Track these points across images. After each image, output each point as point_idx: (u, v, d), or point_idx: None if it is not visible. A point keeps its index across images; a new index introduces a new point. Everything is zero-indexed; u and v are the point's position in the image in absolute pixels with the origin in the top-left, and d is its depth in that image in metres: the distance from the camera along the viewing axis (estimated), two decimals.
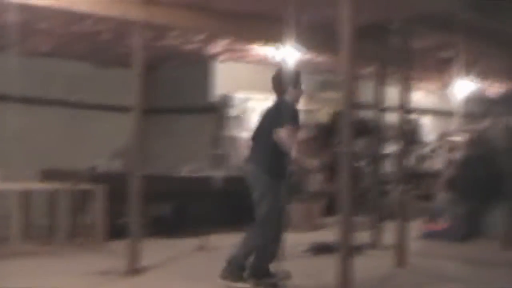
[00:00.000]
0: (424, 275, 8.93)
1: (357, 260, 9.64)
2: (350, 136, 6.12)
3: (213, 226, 10.71)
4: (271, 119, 7.29)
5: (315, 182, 13.11)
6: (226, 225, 11.05)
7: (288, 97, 7.43)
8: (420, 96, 17.08)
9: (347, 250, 6.09)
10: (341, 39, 6.13)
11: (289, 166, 7.36)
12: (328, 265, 6.81)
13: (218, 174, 11.65)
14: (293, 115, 7.24)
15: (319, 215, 12.76)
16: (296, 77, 7.66)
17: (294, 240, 10.39)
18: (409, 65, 9.61)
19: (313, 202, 12.83)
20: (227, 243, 10.52)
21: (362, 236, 10.93)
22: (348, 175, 6.05)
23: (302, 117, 7.60)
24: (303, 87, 7.82)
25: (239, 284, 7.23)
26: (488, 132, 14.00)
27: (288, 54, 10.04)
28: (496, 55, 11.84)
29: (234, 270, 7.31)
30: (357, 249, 10.08)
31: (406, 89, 9.40)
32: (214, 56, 13.04)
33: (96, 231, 10.02)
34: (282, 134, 7.01)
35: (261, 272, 7.37)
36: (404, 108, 9.40)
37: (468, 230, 11.97)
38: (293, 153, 7.26)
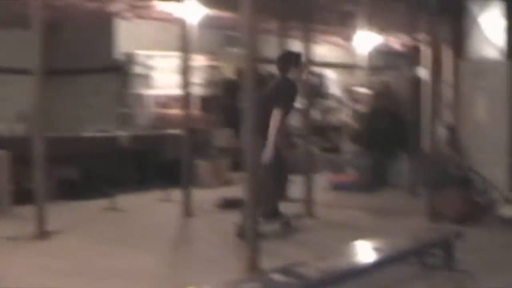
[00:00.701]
0: (332, 225, 9.12)
1: None
2: (254, 91, 6.11)
3: (120, 187, 10.62)
4: (270, 96, 8.05)
5: (223, 138, 13.10)
6: (134, 185, 10.98)
7: (290, 75, 8.25)
8: (325, 50, 17.22)
9: (253, 204, 6.11)
10: None
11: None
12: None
13: (124, 133, 11.51)
14: (291, 95, 8.23)
15: (227, 171, 12.78)
16: (298, 57, 8.50)
17: (203, 196, 10.45)
18: (310, 19, 9.66)
19: (221, 158, 12.84)
20: (135, 203, 10.52)
21: None
22: (252, 130, 6.05)
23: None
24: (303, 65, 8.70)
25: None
26: (392, 85, 14.28)
27: (191, 10, 9.95)
28: (396, 9, 12.03)
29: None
30: None
31: (309, 43, 9.46)
32: (116, 14, 12.76)
33: (1, 196, 9.76)
34: (275, 116, 7.83)
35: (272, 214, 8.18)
36: (308, 62, 9.46)
37: (374, 180, 12.26)
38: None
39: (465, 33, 10.04)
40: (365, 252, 6.01)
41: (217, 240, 8.02)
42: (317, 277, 4.79)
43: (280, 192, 8.45)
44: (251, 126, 6.03)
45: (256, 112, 6.09)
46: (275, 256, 6.47)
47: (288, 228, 8.39)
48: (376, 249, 5.98)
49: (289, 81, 8.26)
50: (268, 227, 7.68)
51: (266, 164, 7.70)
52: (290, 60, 8.37)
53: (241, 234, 7.23)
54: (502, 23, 9.76)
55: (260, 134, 7.02)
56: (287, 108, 8.13)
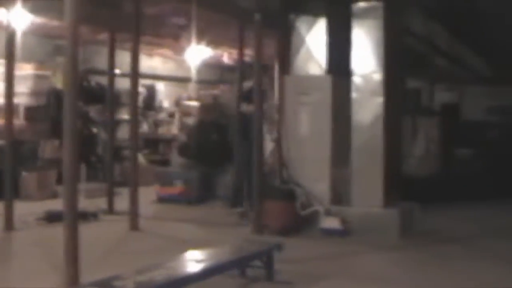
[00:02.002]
0: (157, 237, 9.11)
1: (92, 225, 9.70)
2: (75, 101, 5.99)
3: None
4: None
5: (50, 149, 12.76)
6: None
7: None
8: (157, 63, 17.22)
9: (73, 217, 5.99)
10: (65, 3, 5.96)
11: None
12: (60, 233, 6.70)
13: None
14: None
15: (53, 183, 12.43)
16: None
17: (28, 209, 10.11)
18: (140, 31, 9.62)
19: (47, 169, 12.48)
20: None
21: (98, 202, 10.92)
22: (71, 141, 5.92)
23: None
24: None
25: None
26: (220, 99, 14.50)
27: (16, 16, 9.63)
28: (227, 24, 12.21)
29: None
30: (92, 215, 10.07)
31: (138, 55, 9.42)
32: None
33: None
34: None
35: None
36: (136, 74, 9.41)
37: (202, 193, 12.36)
38: None
39: (291, 50, 10.32)
40: (186, 263, 6.04)
41: (37, 254, 7.77)
42: None
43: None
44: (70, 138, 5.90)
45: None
46: (95, 269, 6.37)
47: None
48: (198, 261, 6.03)
49: None
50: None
51: None
52: None
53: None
54: (329, 40, 10.11)
55: None
56: None
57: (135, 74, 9.37)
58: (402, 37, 10.88)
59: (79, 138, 6.21)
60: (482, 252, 8.70)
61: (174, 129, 16.36)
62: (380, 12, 9.62)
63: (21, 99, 12.31)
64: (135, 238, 9.02)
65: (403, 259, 8.25)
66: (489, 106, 17.42)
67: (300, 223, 9.49)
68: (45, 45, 14.15)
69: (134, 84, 9.42)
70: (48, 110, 13.29)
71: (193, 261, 6.05)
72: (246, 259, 6.63)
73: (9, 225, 9.14)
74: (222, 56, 16.50)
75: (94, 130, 13.75)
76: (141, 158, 12.93)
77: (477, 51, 16.01)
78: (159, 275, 5.29)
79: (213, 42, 14.37)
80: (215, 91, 15.65)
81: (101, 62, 11.06)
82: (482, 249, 8.87)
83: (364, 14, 9.69)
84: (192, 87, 15.60)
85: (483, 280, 7.12)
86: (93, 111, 13.83)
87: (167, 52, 16.89)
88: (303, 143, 10.01)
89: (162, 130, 16.78)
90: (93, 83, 13.90)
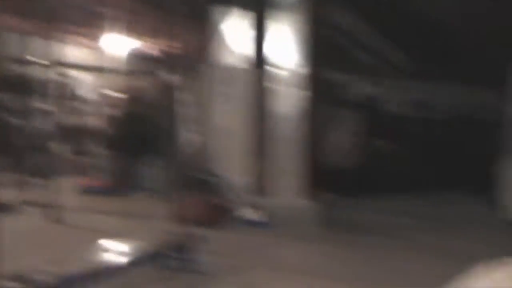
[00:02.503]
0: (79, 230, 9.01)
1: (9, 218, 9.51)
2: None
3: None
4: None
5: None
6: None
7: None
8: (79, 52, 16.95)
9: None
10: None
11: None
12: None
13: None
14: None
15: None
16: None
17: None
18: (65, 20, 9.50)
19: None
20: None
21: (17, 193, 10.72)
22: None
23: None
24: None
25: None
26: (146, 90, 14.40)
27: None
28: (152, 14, 12.13)
29: None
30: (8, 207, 9.86)
31: (53, 42, 9.27)
32: None
33: None
34: None
35: None
36: (55, 63, 9.28)
37: (126, 184, 12.28)
38: None
39: (212, 41, 10.34)
40: (107, 255, 6.03)
41: None
42: (53, 282, 4.74)
43: None
44: None
45: None
46: (14, 263, 6.28)
47: None
48: (119, 253, 6.03)
49: None
50: None
51: None
52: None
53: None
54: (250, 32, 10.16)
55: None
56: None
57: (59, 63, 9.25)
58: (324, 30, 11.03)
59: None
60: (403, 242, 8.92)
61: (99, 120, 16.15)
62: (302, 5, 9.72)
63: None
64: (56, 230, 8.91)
65: (325, 250, 8.38)
66: (411, 100, 17.80)
67: (221, 215, 9.54)
68: None
69: (56, 73, 9.30)
70: None
71: (115, 253, 6.05)
72: (168, 250, 6.65)
73: None
74: (148, 47, 16.36)
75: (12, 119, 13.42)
76: (63, 149, 12.74)
77: (401, 46, 16.32)
78: (80, 267, 5.28)
79: (139, 32, 14.24)
80: (141, 83, 15.51)
81: (16, 50, 10.83)
82: (402, 240, 9.09)
83: (287, 6, 9.78)
84: (117, 78, 15.42)
85: (397, 267, 7.32)
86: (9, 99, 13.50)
87: (90, 41, 16.64)
88: (224, 134, 10.05)
89: (86, 121, 16.53)
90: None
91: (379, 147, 14.89)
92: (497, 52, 12.72)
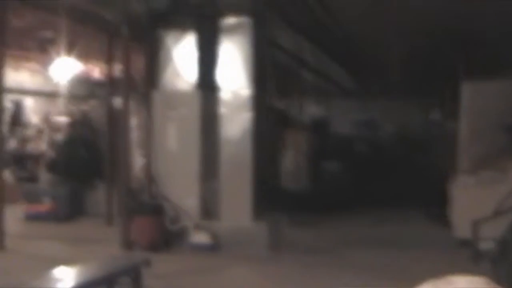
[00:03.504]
0: (24, 256, 8.87)
1: None
2: None
3: None
4: None
5: None
6: None
7: None
8: (25, 77, 16.75)
9: None
10: None
11: None
12: None
13: None
14: None
15: None
16: None
17: None
18: (6, 44, 9.38)
19: None
20: None
21: None
22: None
23: None
24: None
25: None
26: (90, 114, 14.29)
27: None
28: (95, 37, 12.06)
29: None
30: None
31: (3, 68, 9.16)
32: None
33: None
34: None
35: None
36: (2, 88, 9.16)
37: (71, 210, 12.12)
38: None
39: (159, 64, 10.29)
40: (53, 282, 5.91)
41: None
42: None
43: None
44: None
45: None
46: None
47: None
48: (65, 279, 5.92)
49: None
50: None
51: None
52: None
53: None
54: (196, 55, 10.15)
55: None
56: None
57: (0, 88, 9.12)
58: (270, 52, 11.10)
59: None
60: (347, 261, 9.00)
61: (42, 145, 15.94)
62: (248, 28, 9.76)
63: None
64: (0, 257, 8.75)
65: (272, 271, 8.41)
66: (356, 120, 18.06)
67: (169, 238, 9.49)
68: None
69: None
70: None
71: (59, 279, 5.94)
72: (113, 275, 6.56)
73: None
74: (92, 70, 16.26)
75: None
76: (7, 175, 12.52)
77: (345, 67, 16.55)
78: None
79: (82, 56, 14.14)
80: (85, 107, 15.39)
81: None
82: (347, 259, 9.16)
83: (232, 29, 9.81)
84: (61, 102, 15.27)
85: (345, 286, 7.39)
86: None
87: (35, 66, 16.47)
88: (171, 158, 10.00)
89: (30, 146, 16.31)
90: None
91: (326, 167, 15.01)
92: (444, 71, 13.01)
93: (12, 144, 15.28)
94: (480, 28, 10.96)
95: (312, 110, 17.15)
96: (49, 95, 16.47)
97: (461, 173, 10.45)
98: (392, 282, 6.77)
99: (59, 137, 14.10)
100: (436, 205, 11.27)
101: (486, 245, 8.45)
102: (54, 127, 15.05)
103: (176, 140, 10.02)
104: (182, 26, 10.14)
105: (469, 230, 8.91)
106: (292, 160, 13.95)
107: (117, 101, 12.10)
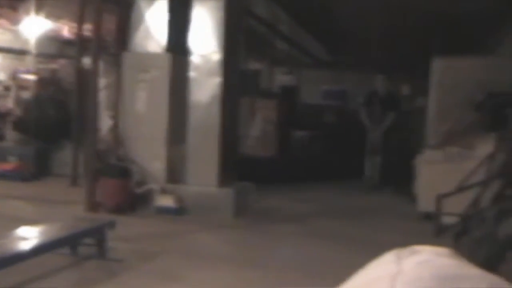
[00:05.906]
0: None
1: None
2: None
3: None
4: None
5: None
6: None
7: None
8: None
9: None
10: None
11: None
12: None
13: None
14: None
15: None
16: None
17: None
18: None
19: None
20: None
21: None
22: None
23: None
24: None
25: None
26: (59, 73, 14.12)
27: None
28: None
29: None
30: None
31: None
32: None
33: None
34: None
35: None
36: None
37: (37, 169, 12.02)
38: None
39: (130, 26, 10.18)
40: (15, 241, 5.88)
41: None
42: None
43: None
44: None
45: None
46: None
47: None
48: (27, 238, 5.89)
49: None
50: None
51: None
52: None
53: None
54: (168, 19, 10.04)
55: None
56: None
57: None
58: (243, 19, 11.03)
59: None
60: (312, 230, 9.07)
61: (9, 103, 15.74)
62: None
63: None
64: None
65: (237, 238, 8.45)
66: (326, 90, 18.06)
67: (135, 201, 9.47)
68: None
69: None
70: None
71: (22, 238, 5.90)
72: (77, 236, 6.56)
73: None
74: (62, 29, 16.03)
75: None
76: None
77: (317, 37, 16.53)
78: None
79: (53, 15, 13.93)
80: (54, 65, 15.19)
81: None
82: (313, 228, 9.24)
83: None
84: (29, 60, 15.04)
85: (309, 254, 7.45)
86: None
87: (4, 22, 16.20)
88: (140, 120, 9.94)
89: None
90: None
91: (295, 136, 15.03)
92: (417, 47, 13.05)
93: None
94: (454, 8, 11.01)
95: (283, 79, 17.11)
96: (18, 52, 16.24)
97: (428, 148, 10.54)
98: (356, 251, 6.85)
99: (27, 95, 13.92)
100: (403, 179, 11.37)
101: (449, 220, 8.56)
102: (21, 85, 14.85)
103: (145, 102, 9.95)
104: None
105: (433, 204, 9.00)
106: (260, 128, 13.92)
107: (87, 61, 11.97)
